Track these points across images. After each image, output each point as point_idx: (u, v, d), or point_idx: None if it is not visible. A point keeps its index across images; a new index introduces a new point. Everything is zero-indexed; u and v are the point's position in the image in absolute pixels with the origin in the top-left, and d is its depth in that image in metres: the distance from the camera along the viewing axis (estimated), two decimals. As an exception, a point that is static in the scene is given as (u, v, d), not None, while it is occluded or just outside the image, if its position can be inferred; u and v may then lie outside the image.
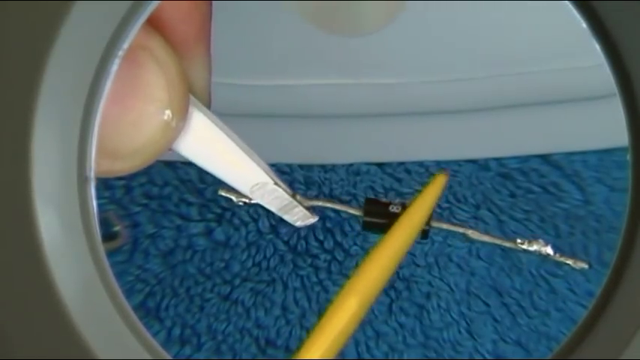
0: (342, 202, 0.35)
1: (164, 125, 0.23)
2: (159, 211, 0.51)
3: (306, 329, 0.49)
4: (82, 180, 0.18)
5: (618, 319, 0.20)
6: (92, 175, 0.19)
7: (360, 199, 0.51)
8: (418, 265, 0.50)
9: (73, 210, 0.18)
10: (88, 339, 0.18)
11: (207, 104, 0.25)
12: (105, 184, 0.51)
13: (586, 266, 0.32)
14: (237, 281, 0.50)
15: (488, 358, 0.49)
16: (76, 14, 0.18)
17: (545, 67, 0.45)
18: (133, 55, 0.20)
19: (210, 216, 0.51)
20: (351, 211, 0.31)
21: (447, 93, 0.47)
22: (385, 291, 0.50)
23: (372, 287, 0.28)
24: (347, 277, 0.50)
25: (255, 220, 0.51)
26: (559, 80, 0.46)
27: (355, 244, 0.51)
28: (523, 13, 0.41)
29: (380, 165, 0.52)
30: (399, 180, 0.52)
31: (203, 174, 0.52)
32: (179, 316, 0.49)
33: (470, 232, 0.32)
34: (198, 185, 0.52)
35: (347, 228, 0.51)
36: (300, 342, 0.48)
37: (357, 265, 0.28)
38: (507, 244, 0.32)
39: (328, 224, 0.51)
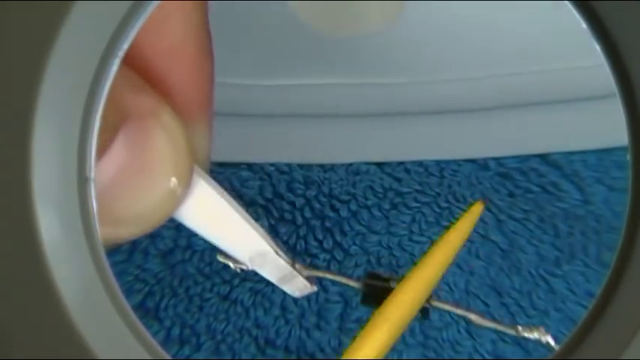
0: (341, 273, 0.35)
1: (169, 192, 0.23)
2: (158, 211, 0.51)
3: (305, 329, 0.49)
4: (82, 180, 0.18)
5: (618, 320, 0.20)
6: (92, 175, 0.19)
7: (360, 198, 0.51)
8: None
9: (73, 210, 0.18)
10: (88, 339, 0.18)
11: (207, 171, 0.25)
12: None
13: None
14: (236, 281, 0.50)
15: (488, 358, 0.49)
16: (76, 14, 0.18)
17: (545, 67, 0.45)
18: (142, 122, 0.21)
19: (209, 216, 0.51)
20: (351, 283, 0.31)
21: (447, 93, 0.47)
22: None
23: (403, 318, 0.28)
24: (347, 276, 0.50)
25: (255, 220, 0.51)
26: (559, 80, 0.46)
27: (354, 243, 0.51)
28: (523, 13, 0.41)
29: (379, 165, 0.52)
30: (398, 180, 0.52)
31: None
32: (178, 316, 0.49)
33: (472, 317, 0.31)
34: (198, 185, 0.52)
35: (346, 228, 0.51)
36: (300, 342, 0.49)
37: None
38: (509, 331, 0.32)
39: (327, 224, 0.51)
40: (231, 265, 0.29)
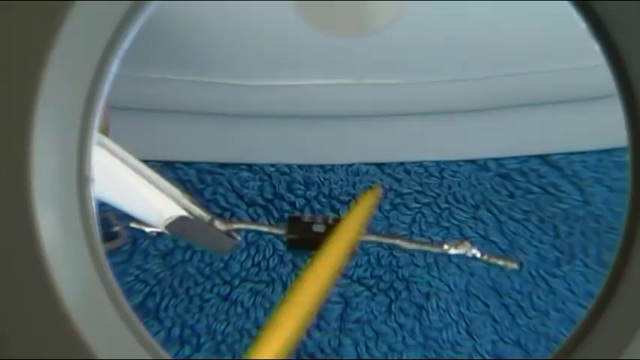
0: (263, 223, 0.35)
1: None
2: (158, 212, 0.51)
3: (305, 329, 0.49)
4: (82, 180, 0.18)
5: (618, 320, 0.20)
6: (92, 175, 0.19)
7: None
8: (417, 266, 0.50)
9: (73, 210, 0.18)
10: (88, 339, 0.18)
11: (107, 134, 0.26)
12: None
13: (516, 266, 0.32)
14: (236, 281, 0.50)
15: (488, 358, 0.49)
16: (76, 14, 0.18)
17: (545, 67, 0.45)
18: None
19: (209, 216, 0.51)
20: (274, 230, 0.31)
21: (447, 93, 0.47)
22: (385, 291, 0.50)
23: (308, 305, 0.28)
24: (346, 277, 0.50)
25: (255, 221, 0.51)
26: (559, 80, 0.46)
27: (355, 244, 0.50)
28: (523, 13, 0.41)
29: (379, 165, 0.52)
30: (398, 180, 0.52)
31: (203, 174, 0.52)
32: (178, 316, 0.49)
33: (398, 242, 0.31)
34: (198, 185, 0.52)
35: (346, 228, 0.51)
36: (300, 342, 0.48)
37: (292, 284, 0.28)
38: (435, 249, 0.32)
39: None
40: (146, 230, 0.29)
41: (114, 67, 0.19)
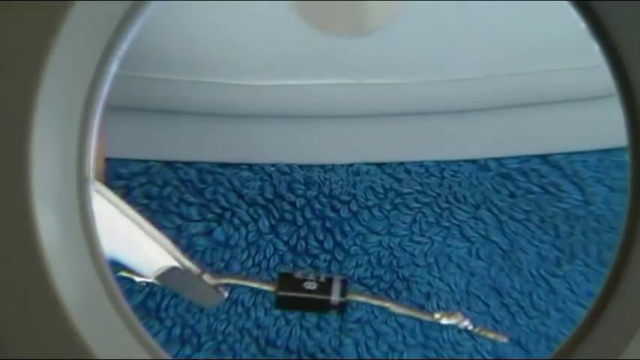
0: (252, 278, 0.34)
1: None
2: (159, 211, 0.51)
3: (306, 329, 0.49)
4: (82, 180, 0.18)
5: (617, 319, 0.20)
6: (91, 175, 0.19)
7: (360, 198, 0.51)
8: (418, 266, 0.50)
9: (73, 210, 0.18)
10: (87, 339, 0.18)
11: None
12: (105, 185, 0.51)
13: (505, 340, 0.32)
14: (237, 281, 0.50)
15: (488, 358, 0.49)
16: (76, 14, 0.18)
17: (545, 67, 0.45)
18: None
19: (210, 216, 0.51)
20: (264, 287, 0.30)
21: (447, 93, 0.47)
22: (385, 291, 0.50)
23: None
24: (347, 276, 0.50)
25: (255, 220, 0.51)
26: (559, 80, 0.46)
27: (355, 244, 0.50)
28: (523, 13, 0.41)
29: (380, 165, 0.52)
30: (399, 180, 0.52)
31: (203, 174, 0.52)
32: (179, 316, 0.49)
33: (388, 305, 0.31)
34: (199, 185, 0.52)
35: (347, 228, 0.51)
36: (300, 342, 0.49)
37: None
38: (426, 318, 0.31)
39: (328, 224, 0.51)
40: (136, 279, 0.29)
41: (114, 67, 0.19)
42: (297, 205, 0.51)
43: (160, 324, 0.48)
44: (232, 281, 0.30)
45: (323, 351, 0.49)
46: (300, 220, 0.51)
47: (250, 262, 0.50)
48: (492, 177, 0.52)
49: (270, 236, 0.51)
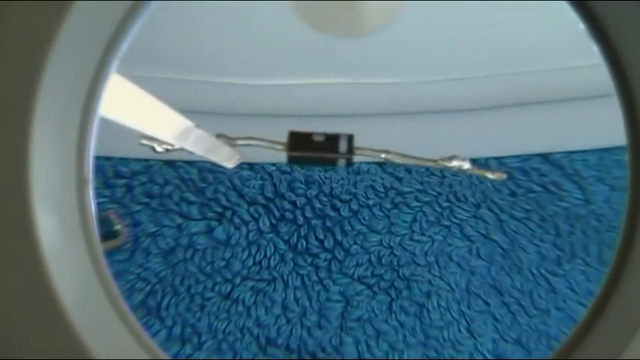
0: (264, 138, 0.34)
1: None
2: (159, 210, 0.51)
3: (306, 328, 0.49)
4: (81, 182, 0.18)
5: (618, 319, 0.20)
6: (91, 176, 0.19)
7: (361, 198, 0.51)
8: (418, 264, 0.50)
9: (72, 211, 0.18)
10: (86, 339, 0.18)
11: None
12: (106, 183, 0.51)
13: (504, 177, 0.32)
14: (237, 280, 0.50)
15: (489, 357, 0.49)
16: (76, 14, 0.18)
17: (545, 67, 0.45)
18: None
19: (210, 215, 0.51)
20: (276, 146, 0.30)
21: (447, 92, 0.47)
22: (385, 290, 0.50)
23: None
24: (347, 276, 0.50)
25: (256, 219, 0.51)
26: (559, 80, 0.46)
27: (355, 243, 0.51)
28: (523, 13, 0.41)
29: (380, 164, 0.52)
30: (399, 179, 0.52)
31: (204, 173, 0.52)
32: (180, 315, 0.49)
33: (388, 156, 0.31)
34: (199, 184, 0.52)
35: (347, 227, 0.51)
36: (301, 341, 0.49)
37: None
38: (429, 164, 0.31)
39: (328, 223, 0.51)
40: (157, 146, 0.29)
41: (114, 67, 0.19)
42: (298, 204, 0.51)
43: (161, 323, 0.48)
44: (244, 142, 0.30)
45: (324, 350, 0.49)
46: (300, 219, 0.51)
47: (251, 261, 0.50)
48: (493, 176, 0.52)
49: (271, 235, 0.51)
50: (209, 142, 0.28)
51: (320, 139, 0.29)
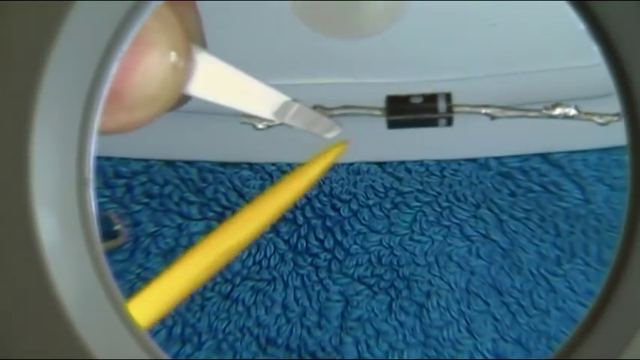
0: (365, 107, 0.34)
1: (172, 67, 0.23)
2: (159, 210, 0.51)
3: (306, 328, 0.49)
4: (82, 181, 0.18)
5: (619, 319, 0.20)
6: (91, 176, 0.19)
7: (361, 198, 0.52)
8: (418, 264, 0.50)
9: (72, 212, 0.18)
10: (87, 340, 0.18)
11: (204, 46, 0.26)
12: (106, 183, 0.51)
13: (615, 119, 0.31)
14: (237, 280, 0.50)
15: (489, 357, 0.49)
16: (76, 14, 0.18)
17: (546, 66, 0.45)
18: None
19: (210, 214, 0.51)
20: (374, 112, 0.30)
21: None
22: (385, 289, 0.50)
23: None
24: (347, 276, 0.50)
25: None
26: (559, 80, 0.46)
27: (355, 243, 0.51)
28: (523, 13, 0.41)
29: (380, 164, 0.52)
30: (399, 179, 0.52)
31: (204, 173, 0.52)
32: (180, 315, 0.49)
33: (489, 110, 0.30)
34: (199, 184, 0.52)
35: (347, 227, 0.51)
36: (301, 341, 0.49)
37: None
38: (533, 114, 0.31)
39: (328, 223, 0.51)
40: (256, 124, 0.29)
41: (114, 67, 0.19)
42: (298, 203, 0.51)
43: (161, 323, 0.48)
44: (342, 112, 0.30)
45: (323, 349, 0.49)
46: (300, 219, 0.51)
47: (251, 261, 0.50)
48: (493, 176, 0.52)
49: (271, 235, 0.51)
50: (308, 115, 0.28)
51: (418, 100, 0.29)
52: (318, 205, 0.51)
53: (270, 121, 0.28)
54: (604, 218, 0.51)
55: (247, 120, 0.29)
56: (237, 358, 0.48)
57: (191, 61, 0.24)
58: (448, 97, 0.29)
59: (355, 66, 0.45)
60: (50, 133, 0.18)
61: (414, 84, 0.46)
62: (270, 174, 0.52)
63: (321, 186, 0.52)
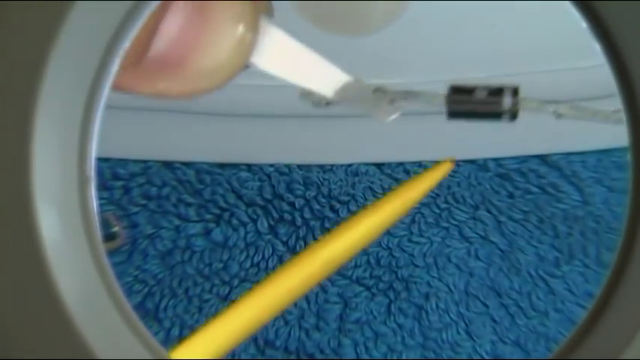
0: (426, 94, 0.33)
1: (240, 39, 0.23)
2: (157, 212, 0.51)
3: (304, 330, 0.49)
4: (83, 180, 0.18)
5: (618, 320, 0.20)
6: (93, 174, 0.19)
7: (359, 199, 0.52)
8: (417, 266, 0.50)
9: (74, 210, 0.18)
10: (89, 339, 0.18)
11: (271, 17, 0.26)
12: (104, 185, 0.51)
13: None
14: (235, 282, 0.50)
15: (487, 358, 0.49)
16: (76, 14, 0.18)
17: (545, 67, 0.45)
18: None
19: (208, 216, 0.51)
20: (435, 101, 0.30)
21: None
22: (384, 291, 0.50)
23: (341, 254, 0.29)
24: (345, 277, 0.50)
25: (254, 221, 0.51)
26: (559, 80, 0.46)
27: (354, 244, 0.50)
28: (523, 13, 0.41)
29: (379, 165, 0.52)
30: (397, 180, 0.52)
31: (202, 175, 0.52)
32: (178, 317, 0.49)
33: (557, 108, 0.30)
34: (197, 186, 0.52)
35: (346, 228, 0.51)
36: (299, 343, 0.48)
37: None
38: (600, 116, 0.30)
39: (327, 224, 0.51)
40: (314, 102, 0.29)
41: (114, 67, 0.19)
42: (296, 205, 0.51)
43: (159, 325, 0.48)
44: (402, 97, 0.30)
45: (322, 351, 0.49)
46: (299, 221, 0.51)
47: (249, 263, 0.50)
48: (491, 177, 0.52)
49: (269, 237, 0.51)
50: (368, 97, 0.28)
51: (482, 95, 0.28)
52: (316, 206, 0.51)
53: (330, 99, 0.28)
54: (602, 220, 0.51)
55: (306, 96, 0.29)
56: (236, 359, 0.48)
57: (257, 33, 0.24)
58: (515, 91, 0.29)
59: (355, 66, 0.45)
60: (51, 132, 0.18)
61: (412, 84, 0.46)
62: (268, 175, 0.52)
63: (320, 187, 0.52)
